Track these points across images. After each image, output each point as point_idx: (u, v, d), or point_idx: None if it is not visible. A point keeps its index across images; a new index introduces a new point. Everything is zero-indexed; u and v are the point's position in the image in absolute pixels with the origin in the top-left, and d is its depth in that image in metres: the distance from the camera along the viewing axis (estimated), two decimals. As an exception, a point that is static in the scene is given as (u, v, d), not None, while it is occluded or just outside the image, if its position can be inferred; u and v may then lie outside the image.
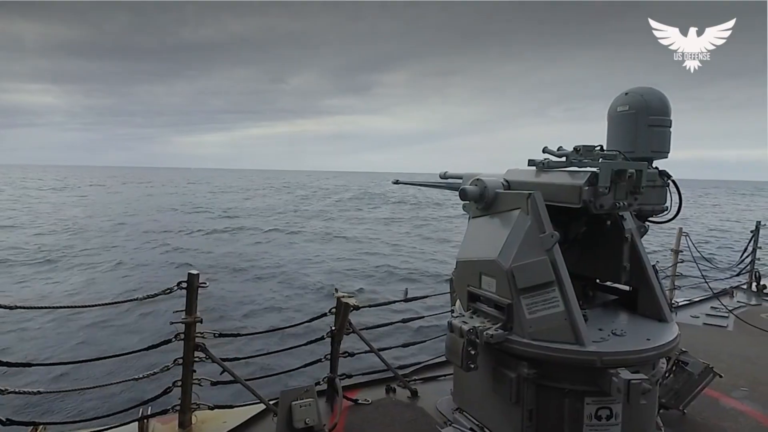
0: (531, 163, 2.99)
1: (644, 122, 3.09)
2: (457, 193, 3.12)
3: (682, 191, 3.15)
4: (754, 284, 7.33)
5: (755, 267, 7.45)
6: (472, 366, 2.63)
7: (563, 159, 2.87)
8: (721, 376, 3.45)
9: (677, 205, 3.18)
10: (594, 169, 2.65)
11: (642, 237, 3.14)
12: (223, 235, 26.62)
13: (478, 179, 3.04)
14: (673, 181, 3.17)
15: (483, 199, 2.98)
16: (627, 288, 3.19)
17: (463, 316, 2.88)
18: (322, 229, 29.36)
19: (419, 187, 4.42)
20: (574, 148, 2.84)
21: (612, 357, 2.47)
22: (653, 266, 3.10)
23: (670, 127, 3.18)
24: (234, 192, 73.96)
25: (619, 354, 2.49)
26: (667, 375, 3.42)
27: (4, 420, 2.83)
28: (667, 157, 3.24)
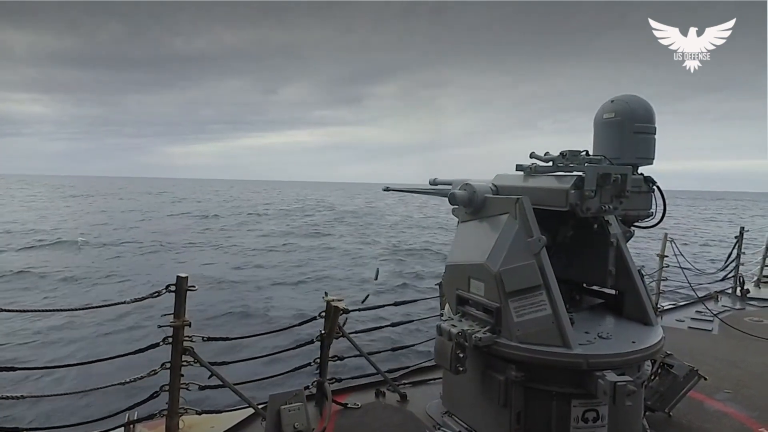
0: (519, 168, 3.03)
1: (630, 129, 3.16)
2: (446, 199, 3.15)
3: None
4: (738, 289, 7.47)
5: (739, 272, 7.59)
6: (461, 369, 2.65)
7: (550, 164, 2.92)
8: (705, 379, 3.51)
9: (661, 210, 3.25)
10: (580, 173, 2.70)
11: (627, 242, 3.19)
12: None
13: (467, 184, 3.08)
14: (658, 187, 3.24)
15: (472, 204, 3.01)
16: (613, 292, 3.24)
17: (452, 319, 2.91)
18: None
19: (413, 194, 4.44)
20: (560, 153, 2.89)
21: (598, 359, 2.50)
22: (639, 270, 3.15)
23: (655, 134, 3.25)
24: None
25: (605, 356, 2.53)
26: (652, 378, 3.47)
27: None
28: (651, 164, 3.31)
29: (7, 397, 3.05)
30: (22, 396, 3.10)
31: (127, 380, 3.17)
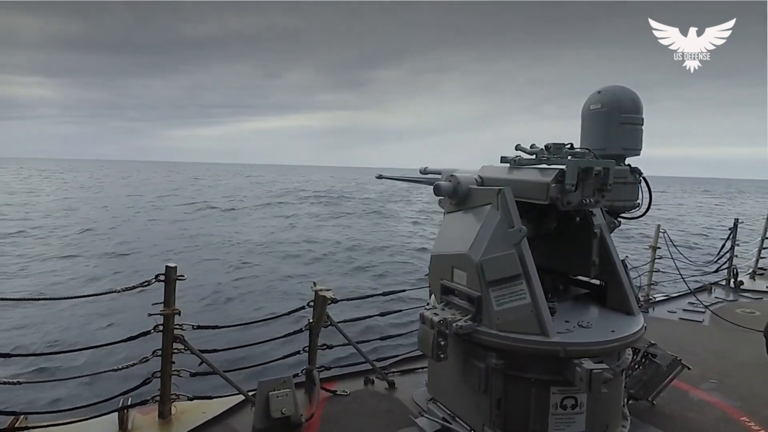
0: (503, 159, 3.06)
1: (616, 120, 3.17)
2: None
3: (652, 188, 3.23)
4: (732, 280, 7.49)
5: (733, 263, 7.60)
6: (442, 356, 2.70)
7: (533, 156, 2.94)
8: (689, 369, 3.55)
9: (647, 201, 3.27)
10: (562, 167, 2.73)
11: (612, 232, 3.22)
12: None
13: (452, 175, 3.10)
14: (644, 178, 3.25)
15: (456, 195, 3.05)
16: (598, 282, 3.27)
17: (436, 308, 2.95)
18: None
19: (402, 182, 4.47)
20: (544, 146, 2.91)
21: (575, 347, 2.55)
22: (623, 261, 3.19)
23: (642, 125, 3.26)
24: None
25: (583, 345, 2.57)
26: (636, 367, 3.52)
27: None
28: (639, 155, 3.31)
29: (4, 383, 3.13)
30: (18, 381, 3.19)
31: (120, 367, 3.24)
